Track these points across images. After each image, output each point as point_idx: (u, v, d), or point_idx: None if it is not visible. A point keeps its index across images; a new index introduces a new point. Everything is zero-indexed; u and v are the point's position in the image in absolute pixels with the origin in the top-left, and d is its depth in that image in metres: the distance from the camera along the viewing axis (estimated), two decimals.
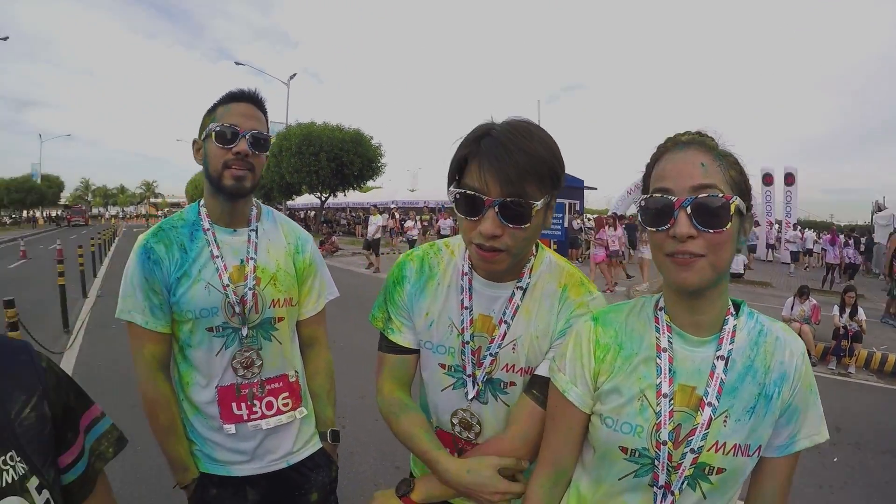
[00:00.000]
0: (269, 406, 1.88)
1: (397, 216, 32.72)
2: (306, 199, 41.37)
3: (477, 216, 1.28)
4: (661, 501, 1.16)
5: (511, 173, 1.23)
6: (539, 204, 1.27)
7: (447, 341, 1.50)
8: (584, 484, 1.31)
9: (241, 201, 1.84)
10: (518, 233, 1.28)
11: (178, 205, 76.40)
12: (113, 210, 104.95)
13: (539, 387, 1.41)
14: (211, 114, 1.78)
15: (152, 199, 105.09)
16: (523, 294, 1.46)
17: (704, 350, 1.17)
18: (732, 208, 1.07)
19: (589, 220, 23.46)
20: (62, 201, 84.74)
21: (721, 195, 1.07)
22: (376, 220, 17.43)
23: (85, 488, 1.06)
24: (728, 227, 1.06)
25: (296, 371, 1.97)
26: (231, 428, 1.82)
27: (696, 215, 1.06)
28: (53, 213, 75.05)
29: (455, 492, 1.45)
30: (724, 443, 1.13)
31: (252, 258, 1.85)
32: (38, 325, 6.64)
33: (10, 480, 0.87)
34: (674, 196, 1.08)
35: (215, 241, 1.82)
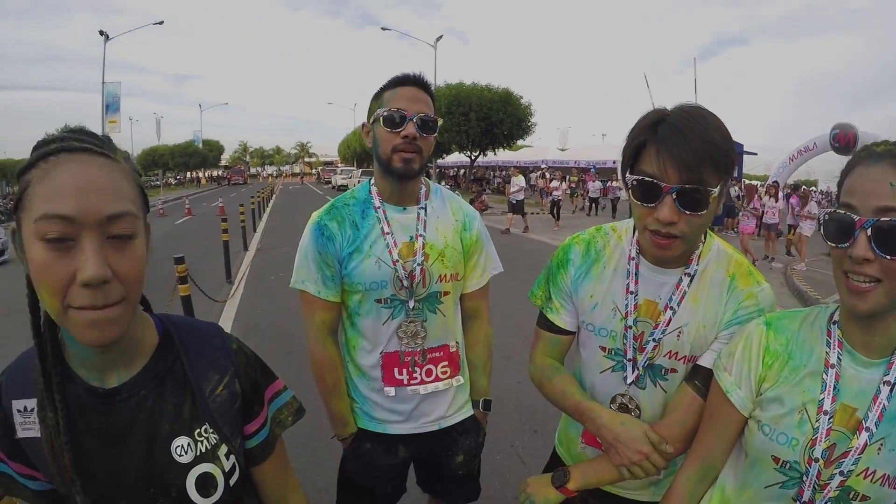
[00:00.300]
0: (429, 373, 1.98)
1: (547, 176, 32.45)
2: (455, 158, 41.89)
3: (653, 203, 1.27)
4: None
5: (689, 160, 1.21)
6: (716, 191, 1.25)
7: (609, 325, 1.52)
8: (730, 485, 1.31)
9: (411, 181, 1.90)
10: (695, 220, 1.27)
11: (330, 163, 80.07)
12: (270, 169, 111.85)
13: (702, 378, 1.40)
14: (378, 98, 1.85)
15: (306, 159, 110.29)
16: (691, 281, 1.44)
17: (872, 372, 1.12)
18: None
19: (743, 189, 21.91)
20: (222, 163, 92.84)
21: None
22: (518, 182, 17.22)
23: (265, 452, 1.24)
24: None
25: (456, 342, 2.06)
26: (391, 391, 1.96)
27: (876, 239, 1.00)
28: (214, 174, 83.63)
29: (609, 477, 1.50)
30: (875, 470, 1.09)
31: (421, 235, 1.92)
32: (203, 277, 7.24)
33: (203, 450, 1.07)
34: (856, 215, 1.02)
35: (386, 218, 1.91)
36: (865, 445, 1.09)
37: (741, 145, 24.46)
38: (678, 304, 1.43)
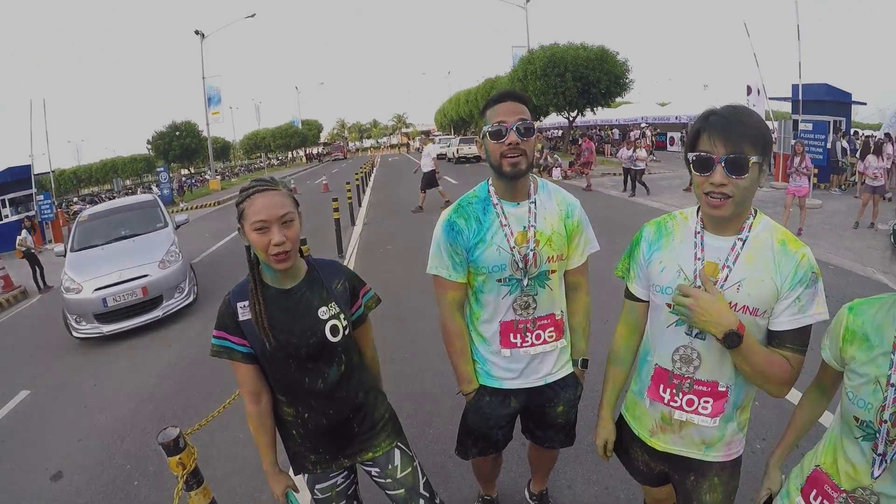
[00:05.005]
0: (538, 337, 2.40)
1: (648, 134, 31.41)
2: (553, 120, 41.31)
3: (708, 171, 1.64)
4: (877, 466, 1.42)
5: (733, 136, 1.61)
6: (753, 158, 1.61)
7: (674, 283, 1.82)
8: (836, 434, 1.60)
9: (520, 180, 2.27)
10: (740, 181, 1.62)
11: (428, 132, 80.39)
12: (368, 143, 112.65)
13: (788, 339, 1.72)
14: (483, 116, 2.26)
15: (403, 130, 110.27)
16: (743, 244, 1.75)
17: None
18: None
19: (855, 139, 19.30)
20: (322, 140, 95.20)
21: None
22: (429, 150, 16.37)
23: (360, 321, 2.25)
24: None
25: (561, 311, 2.46)
26: (507, 352, 2.40)
27: None
28: (315, 151, 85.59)
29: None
30: None
31: (532, 225, 2.30)
32: (316, 251, 7.74)
33: (333, 313, 2.06)
34: None
35: (503, 213, 2.31)
36: None
37: (849, 94, 22.22)
38: (733, 263, 1.74)
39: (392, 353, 5.60)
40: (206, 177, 47.14)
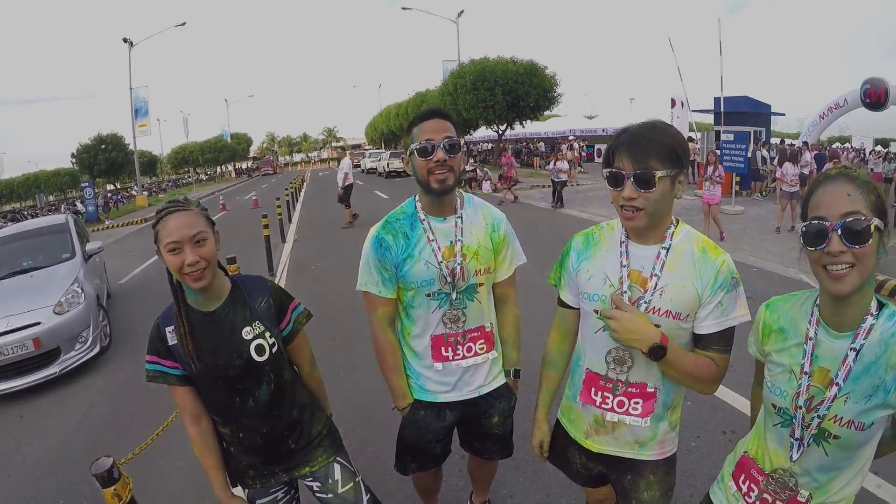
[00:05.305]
0: (469, 350, 2.43)
1: (576, 147, 32.10)
2: (482, 133, 41.79)
3: (620, 186, 1.75)
4: (795, 450, 1.55)
5: (640, 154, 1.71)
6: (661, 173, 1.69)
7: (600, 291, 1.92)
8: (761, 423, 1.72)
9: (447, 195, 2.31)
10: (649, 195, 1.72)
11: (358, 146, 80.00)
12: (298, 157, 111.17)
13: (713, 341, 1.83)
14: (409, 134, 2.29)
15: (334, 144, 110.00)
16: (667, 252, 1.83)
17: (842, 342, 1.48)
18: (872, 228, 1.36)
19: (773, 148, 20.51)
20: (251, 154, 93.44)
21: (864, 218, 1.36)
22: (344, 165, 16.03)
23: (291, 337, 2.23)
24: (870, 242, 1.36)
25: (491, 323, 2.49)
26: (439, 366, 2.42)
27: (846, 236, 1.35)
28: (244, 166, 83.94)
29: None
30: (842, 417, 1.46)
31: (459, 240, 2.34)
32: (246, 270, 7.65)
33: (257, 333, 2.05)
34: (827, 221, 1.38)
35: (430, 228, 2.34)
36: (835, 397, 1.46)
37: (769, 106, 23.79)
38: (660, 271, 1.83)
39: (325, 372, 5.38)
40: (133, 192, 45.17)
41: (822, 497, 1.55)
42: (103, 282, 8.91)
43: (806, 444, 1.52)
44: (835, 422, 1.46)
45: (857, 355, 1.45)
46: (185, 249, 1.86)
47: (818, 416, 1.49)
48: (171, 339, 2.00)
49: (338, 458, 2.33)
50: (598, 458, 2.08)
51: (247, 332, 2.04)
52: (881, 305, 1.48)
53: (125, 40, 33.58)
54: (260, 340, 2.05)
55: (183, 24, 35.85)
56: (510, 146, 38.93)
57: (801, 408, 1.52)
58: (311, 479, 2.28)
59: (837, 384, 1.46)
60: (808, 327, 1.55)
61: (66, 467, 4.61)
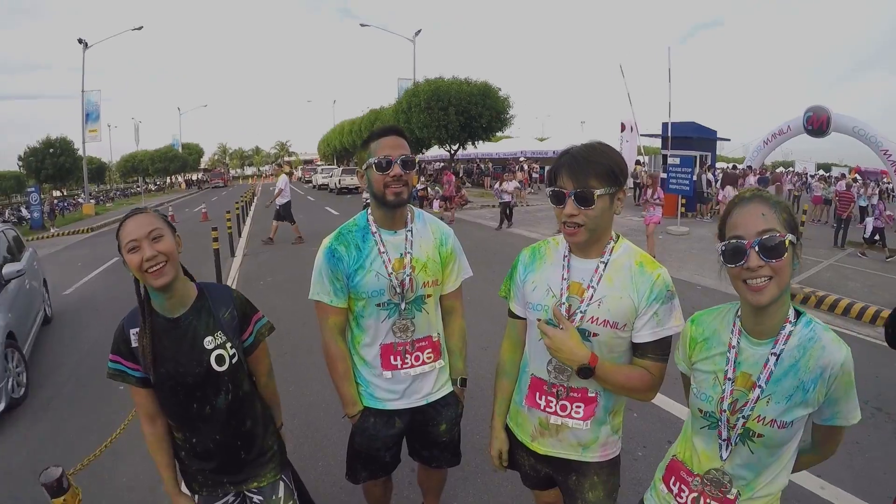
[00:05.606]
0: (417, 359, 2.52)
1: (526, 168, 32.55)
2: (435, 152, 41.94)
3: (562, 204, 1.87)
4: (724, 450, 1.66)
5: (580, 174, 1.83)
6: (600, 191, 1.82)
7: (543, 301, 2.04)
8: (688, 427, 1.83)
9: (400, 209, 2.42)
10: (589, 212, 1.84)
11: (310, 162, 79.06)
12: (249, 170, 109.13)
13: (650, 350, 1.95)
14: (366, 148, 2.40)
15: (286, 158, 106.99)
16: (605, 266, 1.96)
17: (763, 348, 1.61)
18: (787, 242, 1.48)
19: (718, 172, 21.40)
20: (202, 166, 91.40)
21: (778, 234, 1.48)
22: (280, 183, 15.70)
23: (252, 348, 2.27)
24: (785, 256, 1.48)
25: (438, 333, 2.60)
26: (388, 374, 2.50)
27: (763, 251, 1.48)
28: (194, 177, 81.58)
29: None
30: (765, 416, 1.58)
31: (409, 252, 2.45)
32: None
33: (218, 343, 2.10)
34: (745, 240, 1.50)
35: (381, 240, 2.44)
36: (758, 399, 1.59)
37: (714, 131, 24.66)
38: (597, 283, 1.95)
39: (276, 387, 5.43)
40: (80, 200, 43.67)
41: (749, 493, 1.66)
42: (33, 309, 7.54)
43: (733, 444, 1.64)
44: (759, 421, 1.58)
45: (777, 359, 1.57)
46: (143, 245, 1.91)
47: (743, 417, 1.60)
48: (135, 342, 2.04)
49: (283, 476, 2.39)
50: (545, 461, 2.18)
51: (208, 342, 2.08)
52: (798, 314, 1.62)
53: (80, 41, 32.58)
54: (220, 351, 2.10)
55: (140, 27, 35.17)
56: (462, 166, 39.23)
57: (725, 411, 1.63)
58: (255, 492, 2.33)
59: (760, 386, 1.58)
60: (730, 337, 1.67)
61: (9, 482, 4.43)
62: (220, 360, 2.10)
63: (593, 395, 2.02)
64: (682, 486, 1.78)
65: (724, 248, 1.56)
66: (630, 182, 27.81)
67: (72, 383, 6.31)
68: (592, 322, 1.94)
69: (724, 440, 1.66)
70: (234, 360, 2.14)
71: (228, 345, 2.13)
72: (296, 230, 15.47)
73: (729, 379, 1.64)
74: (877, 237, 13.92)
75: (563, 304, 1.98)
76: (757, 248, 1.48)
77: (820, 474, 3.79)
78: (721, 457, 1.67)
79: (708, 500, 1.71)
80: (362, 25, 38.51)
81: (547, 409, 2.08)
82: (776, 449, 1.62)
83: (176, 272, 2.01)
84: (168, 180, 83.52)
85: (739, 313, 1.69)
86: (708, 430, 1.71)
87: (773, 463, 1.65)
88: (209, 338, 2.09)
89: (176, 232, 2.08)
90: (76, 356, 7.10)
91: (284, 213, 15.29)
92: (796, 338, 1.58)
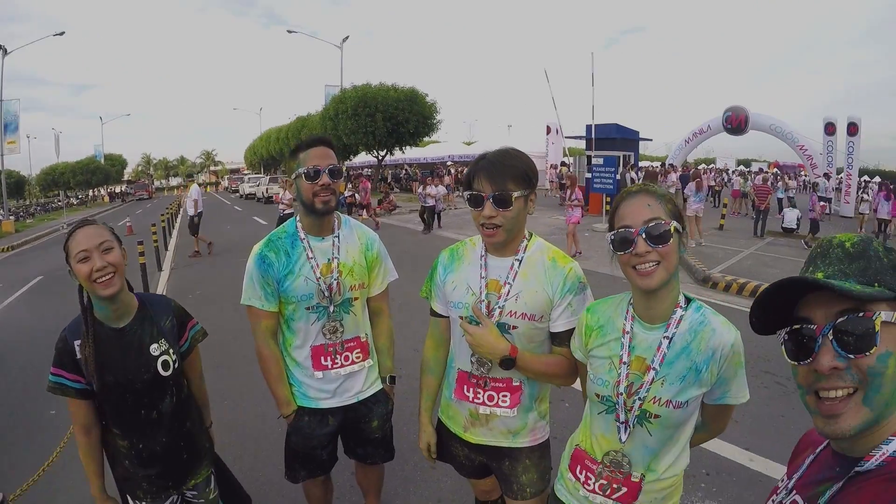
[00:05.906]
0: (346, 359, 2.62)
1: (454, 172, 32.81)
2: (363, 159, 41.82)
3: (480, 207, 1.95)
4: (623, 432, 1.71)
5: (497, 177, 1.93)
6: (516, 193, 1.92)
7: (463, 299, 2.13)
8: (588, 413, 1.90)
9: (327, 216, 2.54)
10: (507, 213, 1.94)
11: (237, 171, 76.93)
12: (175, 181, 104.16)
13: (565, 338, 2.04)
14: (294, 157, 2.49)
15: (212, 168, 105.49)
16: (520, 263, 2.08)
17: (655, 333, 1.69)
18: (672, 229, 1.57)
19: (641, 171, 22.29)
20: (126, 177, 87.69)
21: (664, 222, 1.57)
22: (191, 193, 15.27)
23: (187, 353, 2.40)
24: (671, 241, 1.57)
25: (366, 334, 2.71)
26: (319, 374, 2.60)
27: (649, 238, 1.56)
28: (118, 190, 77.78)
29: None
30: (660, 398, 1.65)
31: (336, 257, 2.56)
32: None
33: (163, 349, 2.22)
34: (633, 228, 1.59)
35: (309, 246, 2.54)
36: (652, 380, 1.65)
37: (637, 132, 25.62)
38: (513, 280, 2.06)
39: (210, 400, 5.33)
40: None
41: (653, 476, 1.72)
42: None
43: (631, 426, 1.68)
44: (654, 402, 1.64)
45: (669, 343, 1.64)
46: (94, 256, 2.01)
47: (639, 399, 1.66)
48: (79, 353, 2.10)
49: (213, 469, 2.57)
50: (478, 449, 2.26)
51: (154, 349, 2.20)
52: (688, 300, 1.73)
53: None
54: (165, 357, 2.22)
55: (62, 33, 33.55)
56: (390, 171, 39.17)
57: (622, 394, 1.68)
58: (191, 489, 2.47)
59: (654, 369, 1.64)
60: (624, 323, 1.73)
61: None
62: (165, 365, 2.22)
63: (518, 384, 2.11)
64: (588, 474, 1.82)
65: (613, 237, 1.64)
66: (546, 185, 28.44)
67: (9, 404, 5.99)
68: (511, 316, 2.04)
69: (622, 423, 1.70)
70: (175, 366, 2.27)
71: (171, 351, 2.25)
72: (196, 243, 14.99)
73: (624, 363, 1.69)
74: (806, 229, 15.05)
75: (483, 301, 2.07)
76: (644, 236, 1.55)
77: (748, 447, 4.07)
78: (620, 439, 1.71)
79: (614, 485, 1.76)
80: (289, 32, 38.12)
81: (475, 401, 2.16)
82: (673, 430, 1.69)
83: (122, 283, 2.12)
84: (91, 193, 78.76)
85: (632, 301, 1.76)
86: (606, 414, 1.75)
87: (673, 445, 1.72)
88: (154, 345, 2.21)
89: (122, 245, 2.17)
90: (4, 383, 6.66)
91: (191, 224, 14.89)
92: (687, 322, 1.65)
